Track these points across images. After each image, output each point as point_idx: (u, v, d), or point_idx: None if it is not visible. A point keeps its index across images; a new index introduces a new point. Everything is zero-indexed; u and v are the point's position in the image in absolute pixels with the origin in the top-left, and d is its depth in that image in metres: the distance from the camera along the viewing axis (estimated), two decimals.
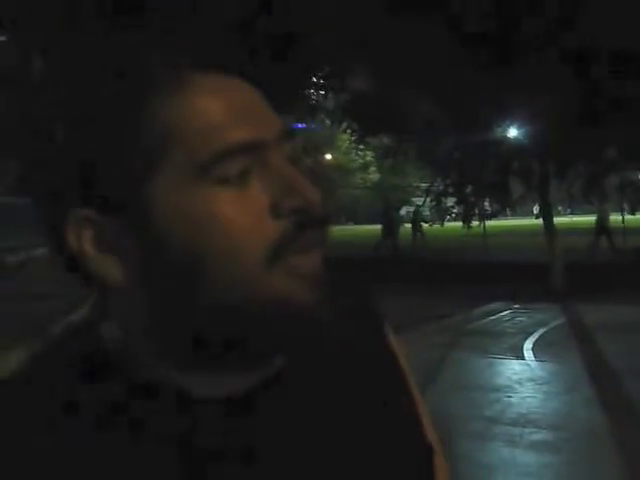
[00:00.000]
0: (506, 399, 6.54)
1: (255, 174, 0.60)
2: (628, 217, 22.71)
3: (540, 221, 15.33)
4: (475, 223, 18.54)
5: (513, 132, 15.04)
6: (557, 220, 15.52)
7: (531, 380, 7.31)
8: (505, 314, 11.86)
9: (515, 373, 7.63)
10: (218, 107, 0.60)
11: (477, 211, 18.01)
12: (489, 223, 21.88)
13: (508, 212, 21.29)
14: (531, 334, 9.83)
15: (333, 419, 0.69)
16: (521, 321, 11.12)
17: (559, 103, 11.23)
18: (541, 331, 10.07)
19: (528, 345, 9.08)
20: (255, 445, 0.63)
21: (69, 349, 0.66)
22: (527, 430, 5.63)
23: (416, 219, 26.87)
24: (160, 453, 0.61)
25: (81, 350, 0.65)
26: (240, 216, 0.58)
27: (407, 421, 0.78)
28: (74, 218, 0.61)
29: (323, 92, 18.94)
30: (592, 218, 21.18)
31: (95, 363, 0.63)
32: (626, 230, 21.09)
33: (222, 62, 0.63)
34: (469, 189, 16.71)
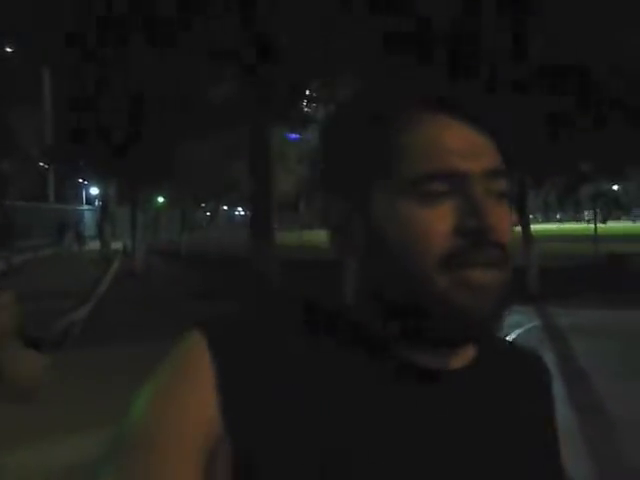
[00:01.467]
0: None
1: (453, 198, 0.72)
2: (600, 225, 22.80)
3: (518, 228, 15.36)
4: None
5: None
6: (533, 227, 15.57)
7: None
8: None
9: None
10: (439, 140, 0.73)
11: None
12: None
13: None
14: (506, 336, 9.83)
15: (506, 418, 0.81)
16: None
17: (532, 119, 11.27)
18: (517, 332, 10.10)
19: None
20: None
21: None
22: None
23: None
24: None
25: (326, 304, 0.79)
26: (428, 226, 0.71)
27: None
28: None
29: (315, 104, 18.98)
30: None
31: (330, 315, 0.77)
32: (598, 237, 21.18)
33: (456, 106, 0.74)
34: None
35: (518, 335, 9.89)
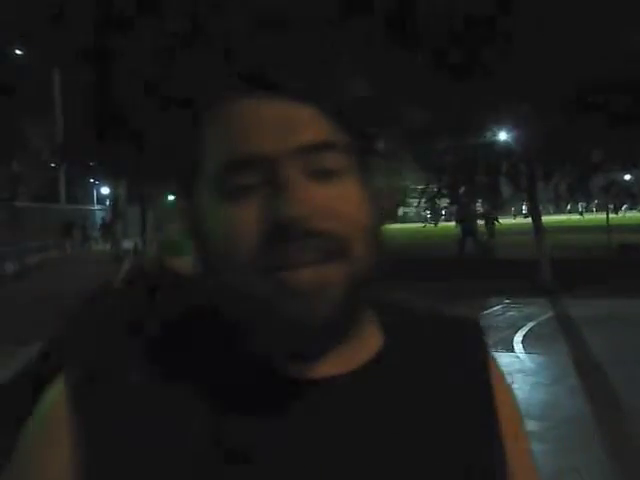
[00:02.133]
0: None
1: (262, 188, 0.61)
2: (612, 216, 22.69)
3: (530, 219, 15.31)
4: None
5: (503, 136, 15.02)
6: (545, 219, 15.50)
7: (520, 372, 7.29)
8: (497, 309, 11.84)
9: (505, 365, 7.53)
10: (237, 123, 0.63)
11: (470, 211, 17.99)
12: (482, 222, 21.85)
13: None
14: (521, 327, 9.81)
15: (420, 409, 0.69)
16: (512, 315, 11.10)
17: (544, 109, 11.21)
18: (530, 325, 10.05)
19: (518, 338, 9.06)
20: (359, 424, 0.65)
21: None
22: None
23: None
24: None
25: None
26: (235, 226, 0.61)
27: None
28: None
29: None
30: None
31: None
32: (611, 228, 21.07)
33: (261, 80, 0.64)
34: (462, 190, 16.71)
35: (532, 327, 9.85)
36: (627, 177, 20.90)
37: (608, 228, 20.91)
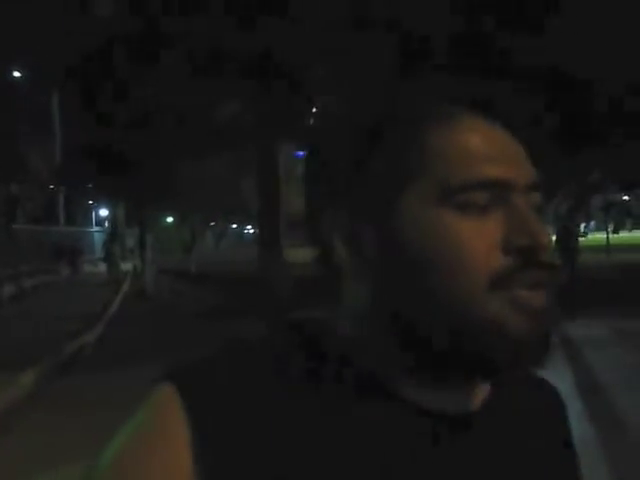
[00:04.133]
0: None
1: (496, 209, 0.64)
2: (612, 236, 22.71)
3: None
4: None
5: None
6: None
7: None
8: None
9: None
10: (479, 143, 0.65)
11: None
12: None
13: None
14: None
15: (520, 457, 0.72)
16: None
17: (541, 130, 11.25)
18: None
19: None
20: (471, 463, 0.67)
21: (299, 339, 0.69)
22: None
23: None
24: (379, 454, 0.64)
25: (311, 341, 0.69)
26: (473, 241, 0.62)
27: None
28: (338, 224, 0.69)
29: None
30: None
31: (327, 355, 0.67)
32: (610, 248, 21.08)
33: (492, 109, 0.69)
34: None
35: None
36: (625, 197, 20.93)
37: (608, 248, 20.93)
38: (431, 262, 0.63)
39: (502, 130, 0.68)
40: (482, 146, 0.65)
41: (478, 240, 0.63)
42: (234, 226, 65.16)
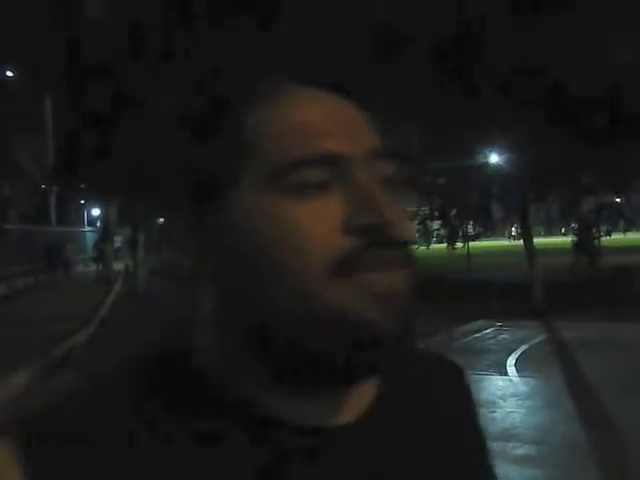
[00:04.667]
0: (490, 414, 6.46)
1: (336, 188, 0.57)
2: (604, 238, 22.76)
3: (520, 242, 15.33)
4: (459, 244, 18.58)
5: (494, 158, 15.08)
6: (536, 241, 15.53)
7: (514, 395, 7.25)
8: (489, 332, 11.81)
9: (499, 389, 7.57)
10: (307, 117, 0.59)
11: (461, 233, 18.04)
12: (472, 244, 21.90)
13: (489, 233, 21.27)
14: (514, 351, 9.78)
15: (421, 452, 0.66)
16: (504, 338, 11.08)
17: (536, 133, 11.27)
18: (523, 348, 10.03)
19: (511, 361, 9.03)
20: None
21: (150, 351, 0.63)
22: (510, 445, 5.56)
23: None
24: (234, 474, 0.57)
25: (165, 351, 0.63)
26: (311, 226, 0.56)
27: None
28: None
29: None
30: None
31: (183, 376, 0.60)
32: (602, 250, 21.11)
33: (320, 76, 0.62)
34: (453, 212, 16.75)
35: (525, 351, 9.81)
36: (618, 199, 20.97)
37: (599, 250, 20.95)
38: (268, 257, 0.56)
39: (337, 99, 0.61)
40: (311, 119, 0.59)
41: (317, 224, 0.56)
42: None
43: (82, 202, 41.52)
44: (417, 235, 19.23)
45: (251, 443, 0.58)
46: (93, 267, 26.85)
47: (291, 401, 0.59)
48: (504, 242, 40.82)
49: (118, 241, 30.62)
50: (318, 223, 0.56)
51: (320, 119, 0.59)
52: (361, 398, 0.63)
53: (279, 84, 0.62)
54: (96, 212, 43.29)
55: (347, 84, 0.62)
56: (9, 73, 23.19)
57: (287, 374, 0.58)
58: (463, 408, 0.75)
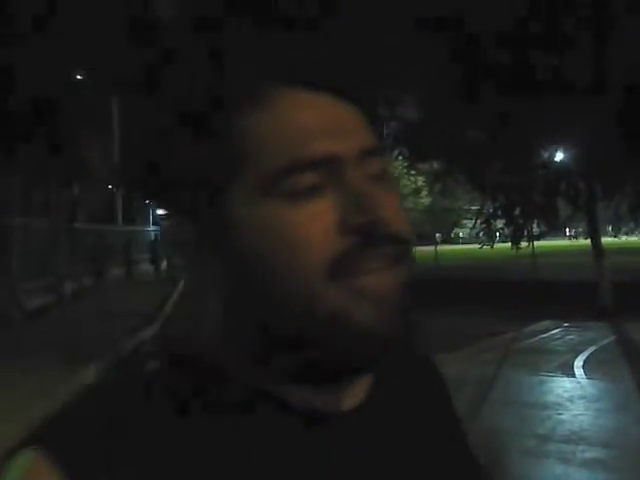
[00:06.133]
0: (557, 416, 6.34)
1: (329, 190, 0.58)
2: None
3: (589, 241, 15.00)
4: (524, 244, 18.28)
5: (559, 155, 14.79)
6: (604, 240, 15.17)
7: (582, 398, 7.09)
8: (555, 332, 11.59)
9: (566, 391, 7.42)
10: (296, 121, 0.59)
11: (526, 232, 17.74)
12: (537, 243, 21.51)
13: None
14: (581, 352, 9.58)
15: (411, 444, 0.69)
16: (571, 339, 10.86)
17: (604, 127, 11.00)
18: (591, 349, 9.81)
19: (578, 363, 8.85)
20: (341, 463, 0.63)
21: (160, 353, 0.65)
22: (579, 448, 5.44)
23: None
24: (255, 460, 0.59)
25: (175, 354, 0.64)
26: (306, 229, 0.57)
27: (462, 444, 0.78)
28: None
29: None
30: None
31: (198, 370, 0.62)
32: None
33: (313, 78, 0.62)
34: (517, 211, 16.48)
35: (592, 352, 9.60)
36: None
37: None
38: (267, 261, 0.58)
39: (328, 100, 0.62)
40: (302, 122, 0.59)
41: (312, 227, 0.57)
42: None
43: (147, 202, 42.34)
44: (481, 234, 18.97)
45: (269, 423, 0.61)
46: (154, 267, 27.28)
47: (299, 390, 0.62)
48: (565, 242, 39.95)
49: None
50: (313, 225, 0.57)
51: (311, 122, 0.60)
52: (359, 388, 0.66)
53: (269, 87, 0.62)
54: (161, 211, 44.07)
55: (338, 85, 0.63)
56: (78, 76, 23.80)
57: (292, 369, 0.60)
58: (442, 399, 0.79)
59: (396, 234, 0.59)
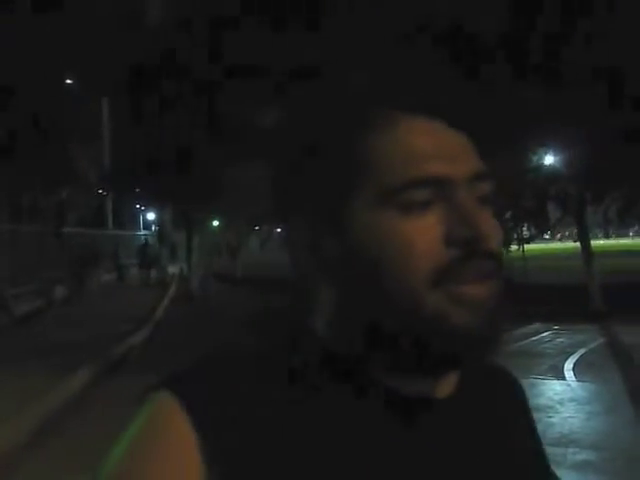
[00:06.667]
0: (548, 419, 6.36)
1: (438, 206, 0.66)
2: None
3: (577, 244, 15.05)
4: (514, 247, 18.34)
5: (549, 159, 14.84)
6: (593, 243, 15.23)
7: (572, 400, 7.12)
8: (545, 335, 11.63)
9: (556, 393, 7.44)
10: (415, 143, 0.67)
11: (516, 235, 17.81)
12: (527, 246, 21.59)
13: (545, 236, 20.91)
14: (571, 354, 9.61)
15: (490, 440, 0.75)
16: (561, 342, 10.89)
17: (596, 131, 11.04)
18: (581, 351, 9.85)
19: (569, 365, 8.87)
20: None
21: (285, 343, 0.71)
22: (570, 450, 5.46)
23: None
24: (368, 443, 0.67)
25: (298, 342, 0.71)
26: (416, 239, 0.64)
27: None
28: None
29: None
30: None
31: (310, 354, 0.69)
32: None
33: (430, 106, 0.70)
34: (508, 214, 16.54)
35: (582, 354, 9.63)
36: None
37: None
38: (381, 264, 0.65)
39: (442, 126, 0.69)
40: (419, 145, 0.67)
41: (421, 237, 0.64)
42: (279, 230, 65.72)
43: (138, 207, 42.22)
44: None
45: (380, 406, 0.68)
46: (151, 272, 27.17)
47: (402, 377, 0.69)
48: (556, 245, 40.10)
49: (166, 250, 31.07)
50: (422, 236, 0.65)
51: (427, 145, 0.67)
52: (451, 381, 0.73)
53: (390, 113, 0.70)
54: (151, 216, 43.98)
55: (450, 113, 0.71)
56: (68, 80, 23.71)
57: (395, 360, 0.68)
58: (522, 413, 0.86)
59: (494, 251, 0.66)
